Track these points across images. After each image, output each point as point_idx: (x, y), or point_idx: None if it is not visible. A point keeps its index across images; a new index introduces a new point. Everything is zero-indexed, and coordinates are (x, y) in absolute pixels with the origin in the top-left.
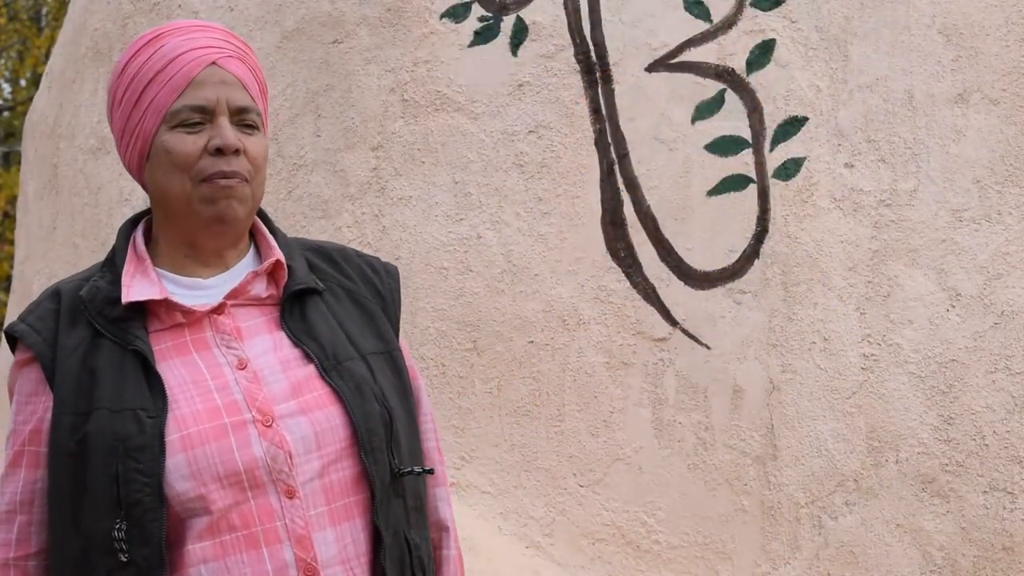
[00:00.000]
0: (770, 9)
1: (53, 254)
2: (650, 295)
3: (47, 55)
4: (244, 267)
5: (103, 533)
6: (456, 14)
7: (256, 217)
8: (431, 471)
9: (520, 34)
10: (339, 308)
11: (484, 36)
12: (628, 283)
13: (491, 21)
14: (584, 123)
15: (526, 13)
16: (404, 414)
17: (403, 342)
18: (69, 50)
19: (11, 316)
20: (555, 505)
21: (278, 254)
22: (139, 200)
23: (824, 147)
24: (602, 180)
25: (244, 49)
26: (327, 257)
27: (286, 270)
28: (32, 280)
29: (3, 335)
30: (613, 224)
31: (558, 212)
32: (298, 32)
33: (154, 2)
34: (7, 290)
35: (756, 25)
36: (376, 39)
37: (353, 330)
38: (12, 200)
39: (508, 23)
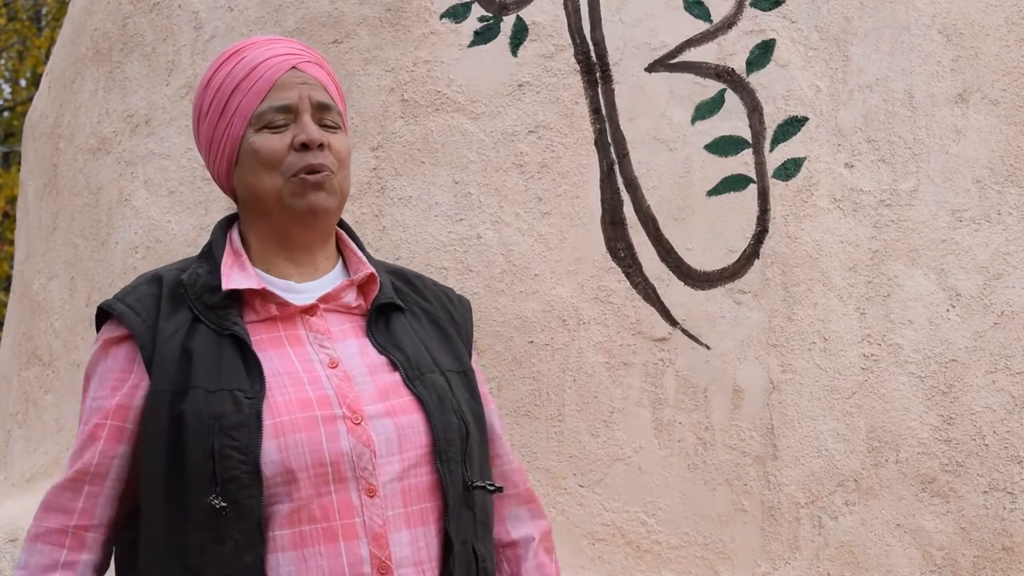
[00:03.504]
0: (770, 9)
1: (53, 254)
2: (650, 295)
3: (47, 55)
4: (334, 277)
5: (197, 509)
6: (456, 14)
7: (344, 233)
8: (500, 488)
9: (520, 34)
10: (419, 327)
11: (484, 36)
12: (628, 283)
13: (491, 21)
14: (584, 123)
15: (526, 13)
16: (477, 432)
17: (476, 366)
18: (69, 50)
19: (11, 316)
20: (555, 505)
21: (371, 268)
22: (140, 200)
23: (824, 147)
24: (602, 180)
25: (321, 59)
26: (406, 280)
27: (378, 284)
28: (32, 280)
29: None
30: (613, 224)
31: (558, 212)
32: (298, 32)
33: (154, 2)
34: (7, 290)
35: (756, 25)
36: (376, 39)
37: (433, 347)
38: (12, 200)
39: (508, 23)
